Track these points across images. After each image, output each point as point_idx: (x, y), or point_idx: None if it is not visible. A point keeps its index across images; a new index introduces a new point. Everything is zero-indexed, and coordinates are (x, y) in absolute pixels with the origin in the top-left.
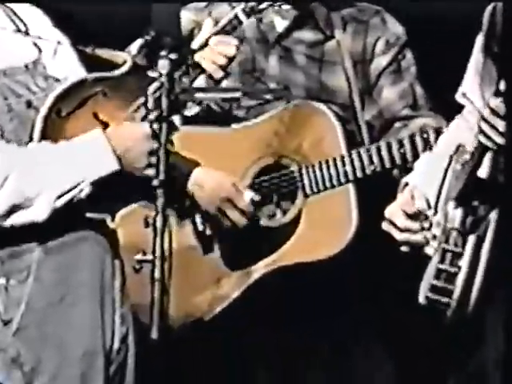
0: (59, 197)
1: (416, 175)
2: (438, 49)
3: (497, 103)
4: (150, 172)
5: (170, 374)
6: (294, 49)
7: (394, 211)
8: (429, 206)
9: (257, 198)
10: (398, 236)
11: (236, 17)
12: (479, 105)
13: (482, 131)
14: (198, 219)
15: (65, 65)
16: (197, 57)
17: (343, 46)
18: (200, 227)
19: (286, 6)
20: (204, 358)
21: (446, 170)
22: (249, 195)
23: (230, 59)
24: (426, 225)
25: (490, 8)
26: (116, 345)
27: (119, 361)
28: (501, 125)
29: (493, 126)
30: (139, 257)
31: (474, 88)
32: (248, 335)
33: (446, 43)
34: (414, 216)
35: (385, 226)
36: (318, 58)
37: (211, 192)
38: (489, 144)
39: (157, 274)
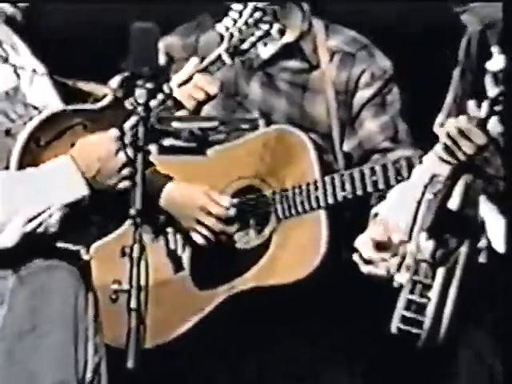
0: (28, 221)
1: (387, 205)
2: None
3: (464, 124)
4: (125, 185)
5: None
6: (278, 76)
7: (363, 241)
8: (402, 235)
9: (234, 201)
10: (363, 268)
11: (219, 57)
12: None
13: (445, 146)
14: (170, 237)
15: (41, 93)
16: (177, 92)
17: (327, 75)
18: (172, 245)
19: (275, 35)
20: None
21: (420, 200)
22: (227, 199)
23: (210, 97)
24: (387, 256)
25: (464, 40)
26: (89, 375)
27: None
28: (465, 145)
29: (456, 144)
30: (115, 286)
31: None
32: (211, 358)
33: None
34: (382, 246)
35: (355, 257)
36: (302, 85)
37: (184, 205)
38: (450, 159)
39: (133, 304)
